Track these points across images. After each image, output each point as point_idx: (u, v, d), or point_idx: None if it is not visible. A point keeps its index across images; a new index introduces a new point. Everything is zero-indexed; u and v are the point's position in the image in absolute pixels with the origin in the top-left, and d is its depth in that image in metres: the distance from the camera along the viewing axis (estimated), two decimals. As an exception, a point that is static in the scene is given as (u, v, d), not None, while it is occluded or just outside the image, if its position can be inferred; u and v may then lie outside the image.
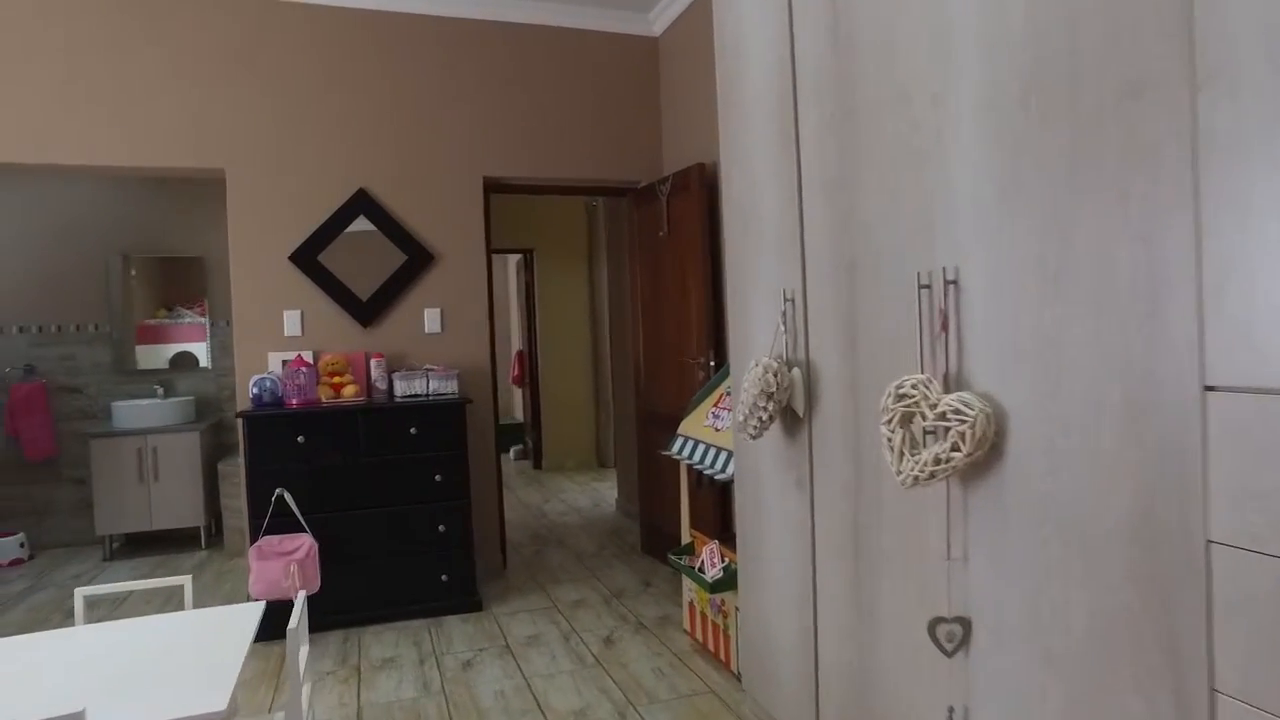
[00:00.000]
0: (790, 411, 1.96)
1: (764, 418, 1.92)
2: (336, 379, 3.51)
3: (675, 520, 3.67)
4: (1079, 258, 1.14)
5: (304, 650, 1.96)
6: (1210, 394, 0.97)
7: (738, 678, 2.69)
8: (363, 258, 3.75)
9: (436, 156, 3.90)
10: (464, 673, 2.84)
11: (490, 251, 4.08)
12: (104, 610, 3.55)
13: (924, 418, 1.37)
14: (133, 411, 4.66)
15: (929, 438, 1.40)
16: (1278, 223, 0.88)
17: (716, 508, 3.31)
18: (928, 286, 1.45)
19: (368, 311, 3.76)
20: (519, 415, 8.21)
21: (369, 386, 3.63)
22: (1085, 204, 1.12)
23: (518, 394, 8.28)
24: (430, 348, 3.88)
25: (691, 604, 3.05)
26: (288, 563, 2.96)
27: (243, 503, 3.64)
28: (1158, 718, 1.04)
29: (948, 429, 1.32)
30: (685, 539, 3.16)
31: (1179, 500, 1.01)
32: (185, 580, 2.10)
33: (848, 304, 1.71)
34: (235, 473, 4.58)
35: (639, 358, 4.34)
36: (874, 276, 1.62)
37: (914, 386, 1.40)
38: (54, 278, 4.90)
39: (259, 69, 3.64)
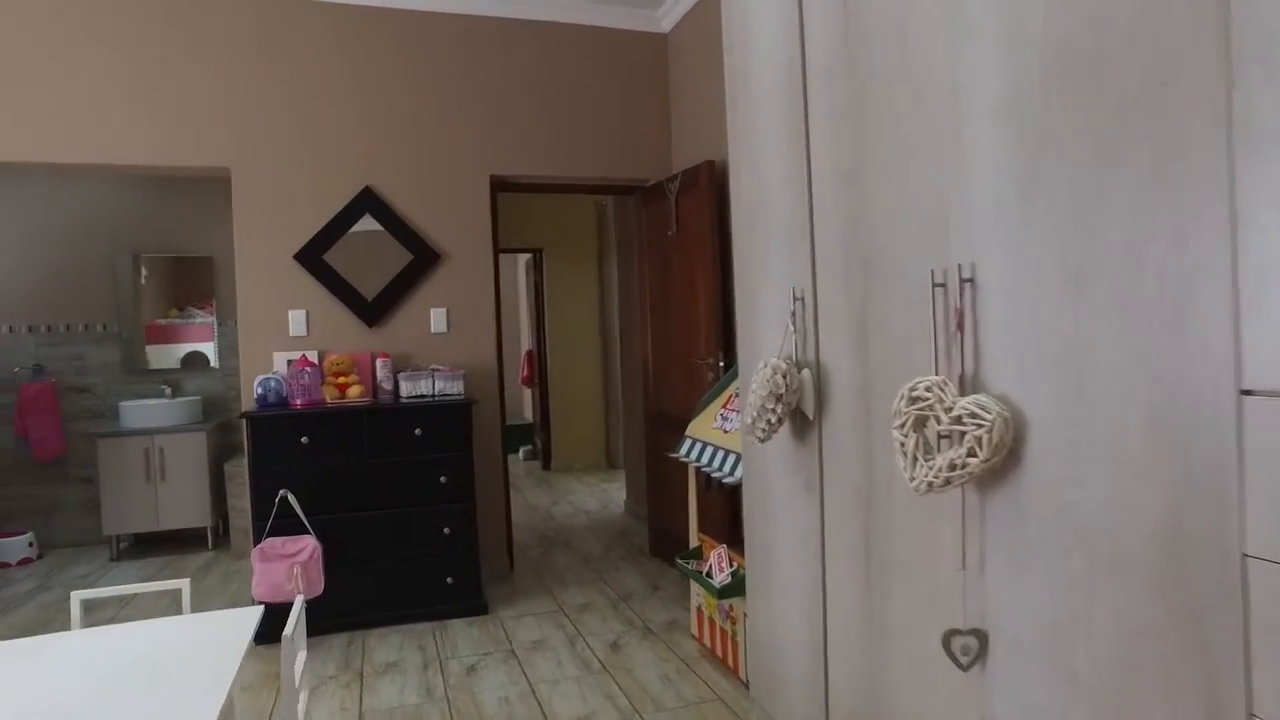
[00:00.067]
0: (800, 414, 1.90)
1: (773, 420, 1.87)
2: (341, 379, 3.48)
3: (684, 523, 3.61)
4: (1104, 255, 1.08)
5: (301, 656, 1.92)
6: (1247, 398, 0.90)
7: (746, 685, 2.63)
8: (368, 257, 3.72)
9: (443, 154, 3.87)
10: (468, 678, 2.80)
11: (498, 251, 4.04)
12: (110, 611, 3.53)
13: (938, 421, 1.31)
14: (140, 411, 4.65)
15: (944, 442, 1.34)
16: (1322, 215, 0.82)
17: (725, 511, 3.26)
18: (943, 285, 1.39)
19: (373, 311, 3.73)
20: (528, 416, 8.18)
21: (374, 387, 3.60)
22: (1110, 200, 1.06)
23: (527, 394, 8.25)
24: (436, 348, 3.84)
25: (700, 609, 2.99)
26: (291, 565, 2.93)
27: (249, 503, 3.62)
28: (1188, 742, 0.98)
29: (963, 433, 1.26)
30: (693, 543, 3.11)
31: (1212, 511, 0.95)
32: (183, 584, 2.07)
33: (859, 303, 1.66)
34: (242, 473, 4.56)
35: (647, 358, 4.29)
36: (887, 274, 1.56)
37: (928, 389, 1.34)
38: (63, 277, 4.90)
39: (263, 67, 3.62)
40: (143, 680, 1.45)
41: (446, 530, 3.38)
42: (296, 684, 1.74)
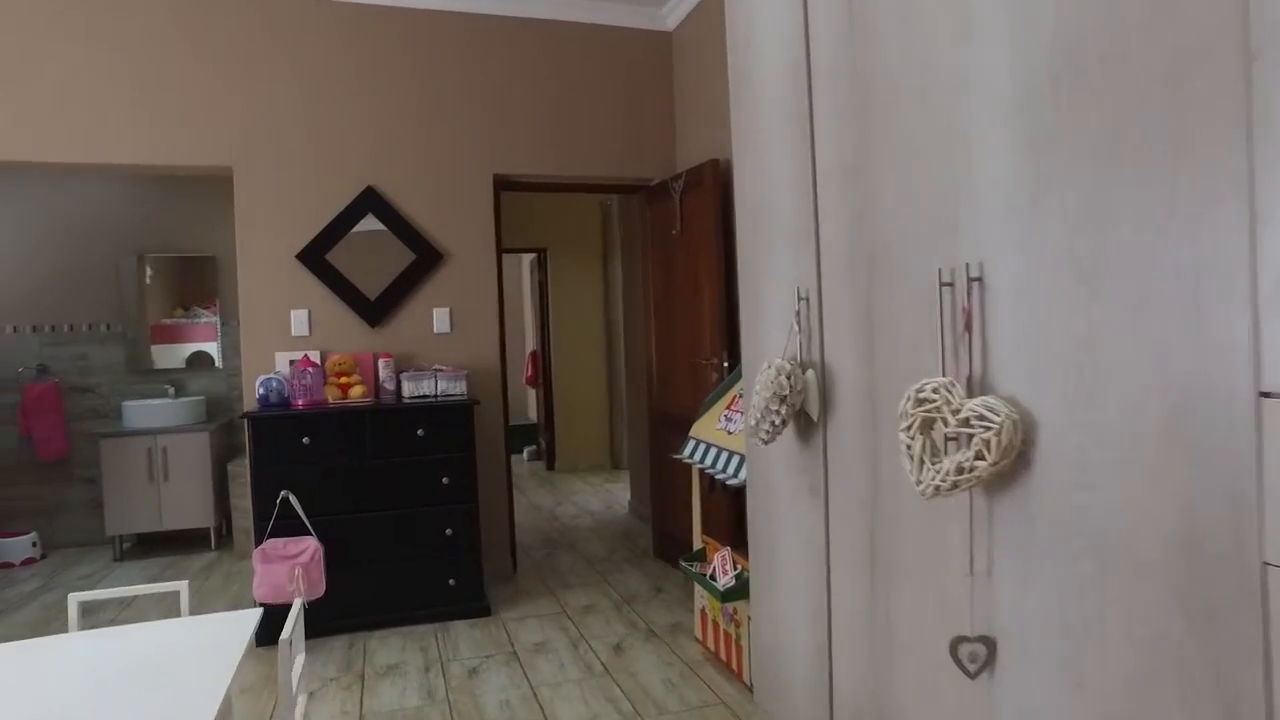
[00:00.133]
0: (804, 415, 1.88)
1: (776, 422, 1.84)
2: (344, 379, 3.47)
3: (688, 524, 3.59)
4: (1116, 254, 1.05)
5: (299, 660, 1.90)
6: (1266, 400, 0.87)
7: (750, 689, 2.60)
8: (371, 256, 3.70)
9: (446, 154, 3.85)
10: (469, 681, 2.78)
11: (501, 250, 4.02)
12: (112, 612, 3.52)
13: (946, 424, 1.28)
14: (143, 411, 4.65)
15: (951, 445, 1.31)
16: (1346, 211, 0.79)
17: (729, 513, 3.22)
18: (950, 284, 1.36)
19: (376, 311, 3.72)
20: (532, 416, 8.16)
21: (377, 387, 3.58)
22: (1123, 194, 1.04)
23: (531, 395, 8.23)
24: (439, 348, 3.82)
25: (703, 611, 2.97)
26: (292, 566, 2.91)
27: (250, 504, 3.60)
28: (1205, 755, 0.95)
29: (971, 436, 1.23)
30: (697, 545, 3.08)
31: (1230, 517, 0.92)
32: (181, 586, 2.05)
33: (865, 303, 1.63)
34: (245, 473, 4.54)
35: (651, 358, 4.27)
36: (893, 274, 1.53)
37: (935, 390, 1.31)
38: (67, 277, 4.89)
39: (265, 66, 3.60)
40: (139, 683, 1.44)
41: (449, 531, 3.36)
42: (294, 689, 1.72)
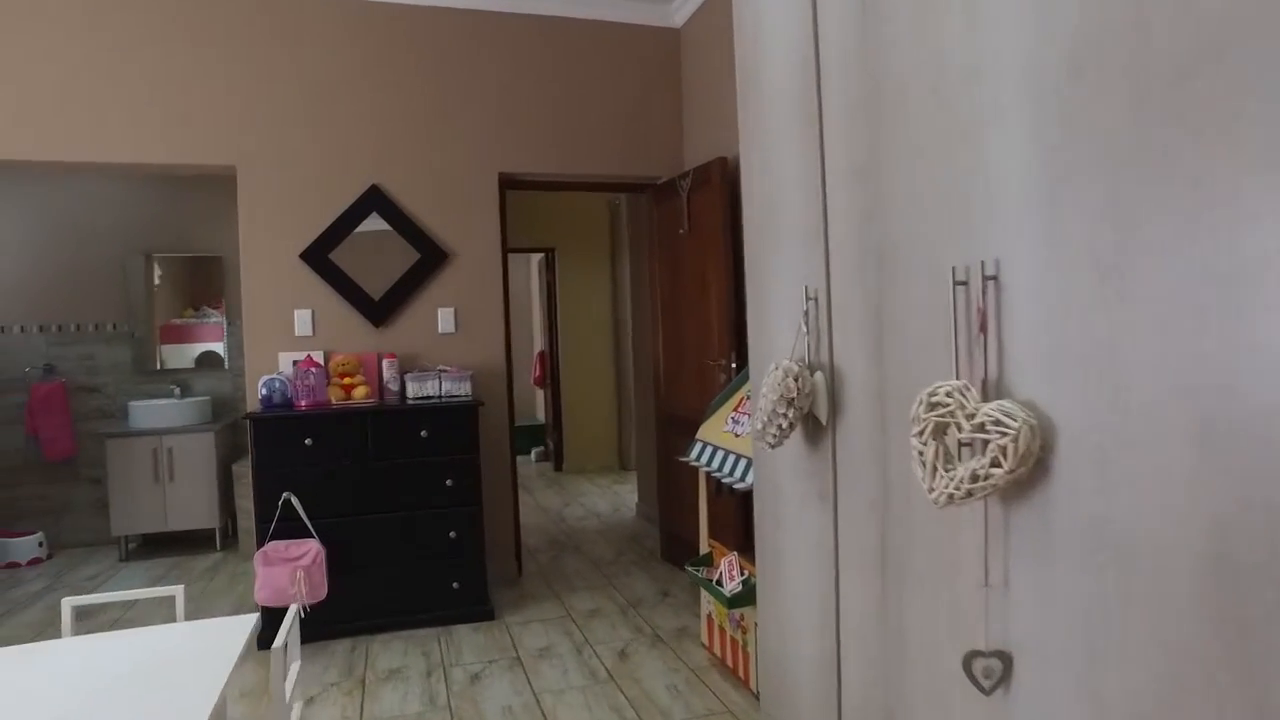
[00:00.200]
0: (812, 419, 1.82)
1: (784, 425, 1.78)
2: (347, 380, 3.43)
3: (695, 527, 3.54)
4: (1142, 248, 0.99)
5: (294, 668, 1.86)
6: (1306, 407, 0.81)
7: (757, 697, 2.55)
8: (375, 256, 3.67)
9: (451, 152, 3.81)
10: (471, 686, 2.74)
11: (507, 250, 3.98)
12: (114, 614, 3.50)
13: (960, 429, 1.22)
14: (149, 411, 4.64)
15: (965, 451, 1.25)
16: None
17: (737, 516, 3.17)
18: (964, 283, 1.30)
19: (380, 311, 3.68)
20: (541, 416, 8.12)
21: (381, 388, 3.55)
22: (1151, 186, 0.98)
23: (540, 395, 8.19)
24: (444, 348, 3.78)
25: (710, 617, 2.91)
26: (294, 569, 2.88)
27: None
28: (1237, 785, 0.89)
29: (987, 442, 1.18)
30: (704, 549, 3.03)
31: (1265, 528, 0.86)
32: (177, 590, 2.02)
33: (875, 302, 1.57)
34: (249, 474, 4.53)
35: (658, 359, 4.22)
36: (904, 273, 1.47)
37: (948, 394, 1.25)
38: (74, 277, 4.89)
39: (268, 64, 3.57)
40: (131, 690, 1.41)
41: (452, 534, 3.32)
42: (287, 698, 1.68)
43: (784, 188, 1.94)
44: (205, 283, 5.09)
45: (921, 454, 1.29)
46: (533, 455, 7.65)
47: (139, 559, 4.59)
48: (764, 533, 2.17)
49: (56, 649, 1.64)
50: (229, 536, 4.84)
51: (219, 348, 5.11)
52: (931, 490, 1.26)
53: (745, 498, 3.19)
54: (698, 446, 2.95)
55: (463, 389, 3.49)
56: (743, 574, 2.61)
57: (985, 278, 1.25)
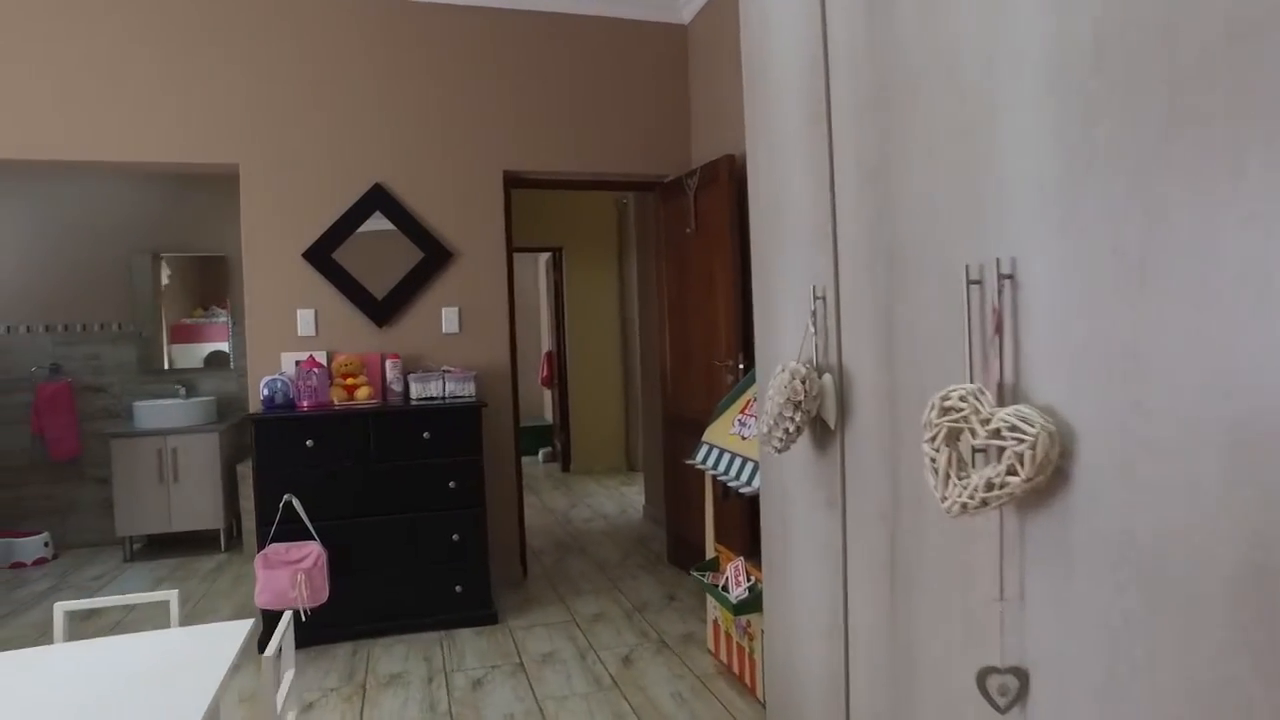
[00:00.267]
0: (820, 422, 1.76)
1: (790, 429, 1.73)
2: (350, 380, 3.40)
3: (702, 530, 3.48)
4: (1170, 244, 0.93)
5: (289, 675, 1.82)
6: (1352, 415, 0.75)
7: (763, 705, 2.49)
8: (378, 255, 3.63)
9: (455, 150, 3.77)
10: (473, 693, 2.69)
11: (512, 249, 3.93)
12: (116, 616, 3.48)
13: (974, 435, 1.16)
14: (153, 411, 4.62)
15: (979, 458, 1.20)
16: None
17: (744, 520, 3.12)
18: (978, 282, 1.24)
19: (383, 311, 3.65)
20: (548, 417, 8.08)
21: (384, 388, 3.51)
22: (1178, 178, 0.92)
23: (547, 395, 8.16)
24: (448, 348, 3.74)
25: (716, 623, 2.86)
26: (295, 571, 2.85)
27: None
28: (1274, 819, 0.83)
29: (1002, 449, 1.12)
30: (710, 553, 2.97)
31: (1304, 548, 0.80)
32: (171, 595, 1.98)
33: (885, 302, 1.51)
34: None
35: (665, 359, 4.16)
36: (916, 271, 1.41)
37: (962, 398, 1.19)
38: (80, 277, 4.88)
39: (270, 62, 3.54)
40: (122, 697, 1.38)
41: (455, 537, 3.28)
42: (279, 709, 1.64)
43: (791, 183, 1.88)
44: (214, 282, 5.07)
45: (934, 461, 1.23)
46: (540, 456, 7.61)
47: (143, 559, 4.58)
48: (770, 539, 2.12)
49: (49, 655, 1.61)
50: (233, 537, 4.82)
51: (226, 347, 5.09)
52: (944, 499, 1.21)
53: (752, 502, 3.13)
54: (704, 449, 2.89)
55: (467, 390, 3.45)
56: (749, 580, 2.55)
57: (1001, 276, 1.20)
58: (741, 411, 2.78)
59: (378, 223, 3.63)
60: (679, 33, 4.14)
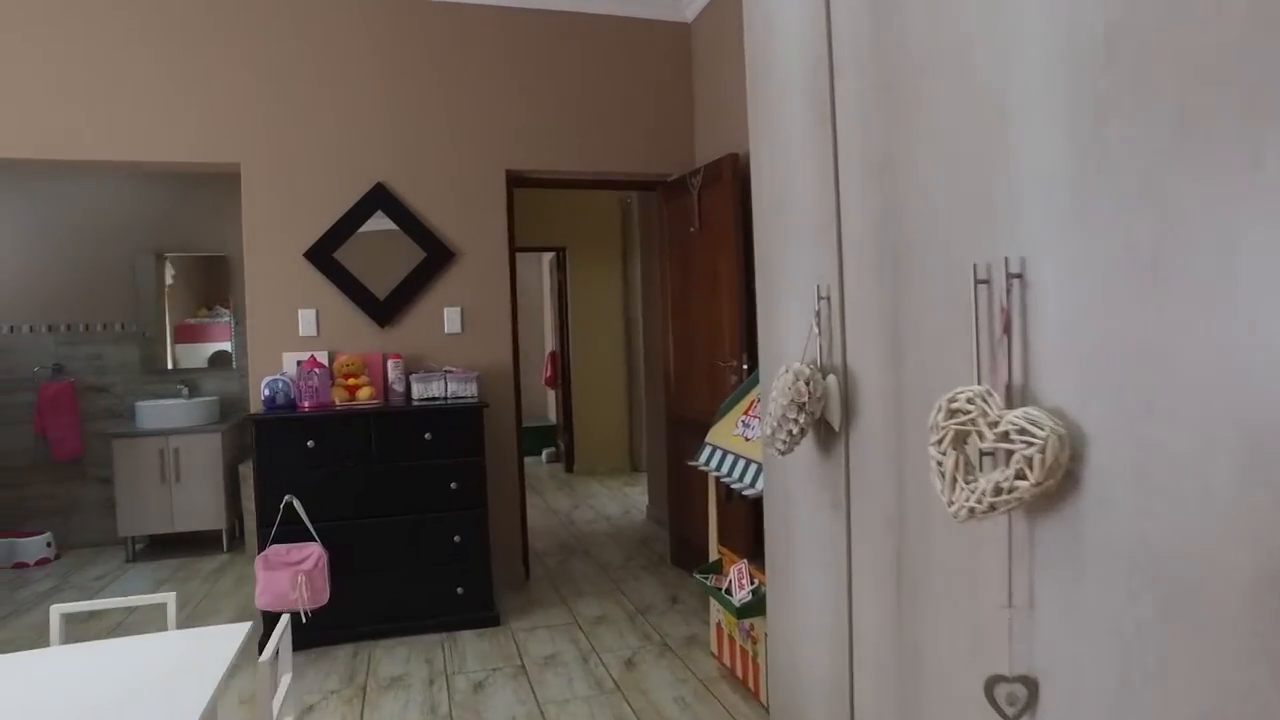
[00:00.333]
0: (825, 424, 1.74)
1: (794, 431, 1.70)
2: (351, 380, 3.38)
3: (705, 532, 3.46)
4: (1185, 242, 0.91)
5: (286, 679, 1.80)
6: (1376, 419, 0.73)
7: (767, 709, 2.47)
8: (380, 255, 3.62)
9: (457, 149, 3.75)
10: (474, 696, 2.67)
11: (514, 248, 3.91)
12: (117, 617, 3.46)
13: (982, 438, 1.14)
14: (156, 411, 4.61)
15: (987, 461, 1.17)
16: None
17: (747, 523, 3.09)
18: (986, 281, 1.22)
19: (385, 311, 3.63)
20: (552, 417, 8.06)
21: (386, 389, 3.49)
22: (1194, 174, 0.89)
23: (550, 395, 8.14)
24: (450, 349, 3.73)
25: (719, 625, 2.83)
26: (295, 573, 2.83)
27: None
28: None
29: (1011, 452, 1.09)
30: (713, 555, 2.95)
31: (1325, 556, 0.77)
32: (169, 598, 1.96)
33: (891, 302, 1.49)
34: (256, 475, 4.50)
35: (669, 360, 4.14)
36: (921, 270, 1.39)
37: (970, 400, 1.17)
38: (83, 277, 4.88)
39: (273, 61, 3.53)
40: (118, 701, 1.36)
41: (457, 538, 3.26)
42: (276, 714, 1.62)
43: (795, 181, 1.86)
44: (217, 282, 5.06)
45: (940, 464, 1.21)
46: (543, 456, 7.60)
47: (146, 560, 4.57)
48: (774, 542, 2.09)
49: (45, 658, 1.60)
50: (235, 538, 4.81)
51: (229, 347, 5.08)
52: (951, 503, 1.18)
53: (756, 504, 3.10)
54: (707, 450, 2.87)
55: (469, 390, 3.43)
56: (753, 583, 2.53)
57: (1009, 275, 1.17)
58: (745, 413, 2.76)
59: (380, 222, 3.61)
60: (683, 31, 4.11)
